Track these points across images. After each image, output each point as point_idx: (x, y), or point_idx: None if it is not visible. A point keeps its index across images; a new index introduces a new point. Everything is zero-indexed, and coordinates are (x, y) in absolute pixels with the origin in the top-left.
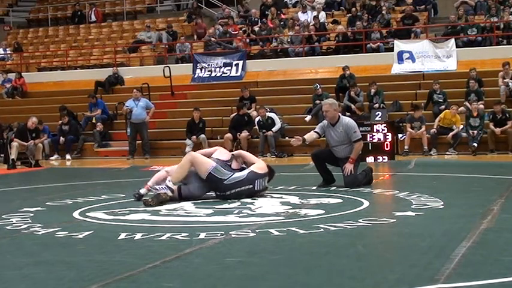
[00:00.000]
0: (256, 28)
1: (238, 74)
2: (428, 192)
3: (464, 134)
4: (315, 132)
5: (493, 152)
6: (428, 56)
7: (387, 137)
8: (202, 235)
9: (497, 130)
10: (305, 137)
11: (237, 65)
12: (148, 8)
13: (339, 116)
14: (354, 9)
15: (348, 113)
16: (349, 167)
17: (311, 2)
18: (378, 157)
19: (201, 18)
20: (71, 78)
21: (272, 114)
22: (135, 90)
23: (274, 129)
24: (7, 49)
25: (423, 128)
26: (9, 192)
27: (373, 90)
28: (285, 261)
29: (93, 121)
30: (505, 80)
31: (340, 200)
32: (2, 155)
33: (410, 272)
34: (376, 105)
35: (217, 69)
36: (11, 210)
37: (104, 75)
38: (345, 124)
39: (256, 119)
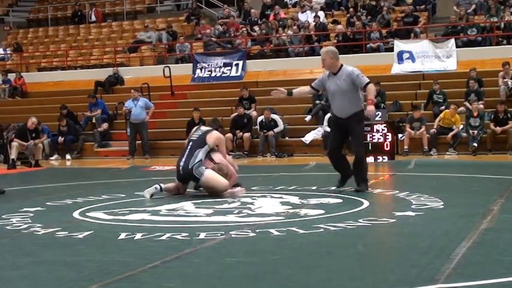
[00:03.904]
0: (256, 28)
1: (238, 74)
2: (428, 192)
3: (464, 134)
4: (310, 86)
5: (493, 152)
6: (428, 56)
7: (387, 137)
8: (202, 235)
9: (498, 129)
10: (293, 90)
11: (237, 65)
12: (148, 8)
13: (342, 65)
14: (351, 9)
15: None
16: (370, 108)
17: (309, 2)
18: (378, 157)
19: (204, 20)
20: (71, 78)
21: (275, 116)
22: (133, 90)
23: (276, 130)
24: (7, 49)
25: (423, 128)
26: (9, 192)
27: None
28: (285, 261)
29: (93, 121)
30: (504, 80)
31: (340, 200)
32: (2, 155)
33: (410, 272)
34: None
35: (217, 69)
36: (11, 210)
37: (104, 75)
38: (349, 72)
39: (259, 119)
